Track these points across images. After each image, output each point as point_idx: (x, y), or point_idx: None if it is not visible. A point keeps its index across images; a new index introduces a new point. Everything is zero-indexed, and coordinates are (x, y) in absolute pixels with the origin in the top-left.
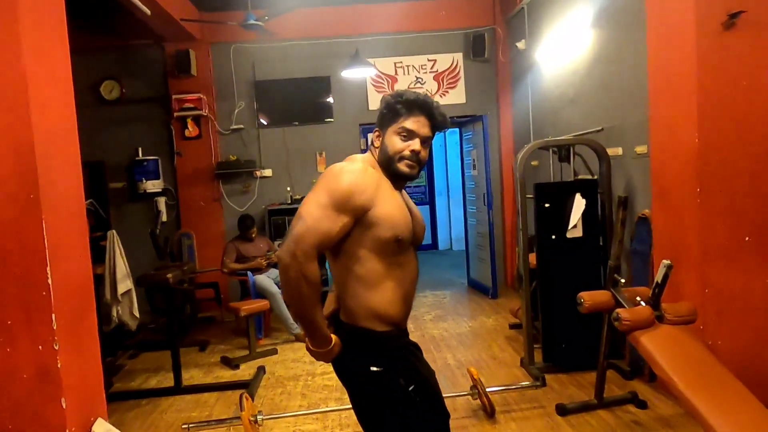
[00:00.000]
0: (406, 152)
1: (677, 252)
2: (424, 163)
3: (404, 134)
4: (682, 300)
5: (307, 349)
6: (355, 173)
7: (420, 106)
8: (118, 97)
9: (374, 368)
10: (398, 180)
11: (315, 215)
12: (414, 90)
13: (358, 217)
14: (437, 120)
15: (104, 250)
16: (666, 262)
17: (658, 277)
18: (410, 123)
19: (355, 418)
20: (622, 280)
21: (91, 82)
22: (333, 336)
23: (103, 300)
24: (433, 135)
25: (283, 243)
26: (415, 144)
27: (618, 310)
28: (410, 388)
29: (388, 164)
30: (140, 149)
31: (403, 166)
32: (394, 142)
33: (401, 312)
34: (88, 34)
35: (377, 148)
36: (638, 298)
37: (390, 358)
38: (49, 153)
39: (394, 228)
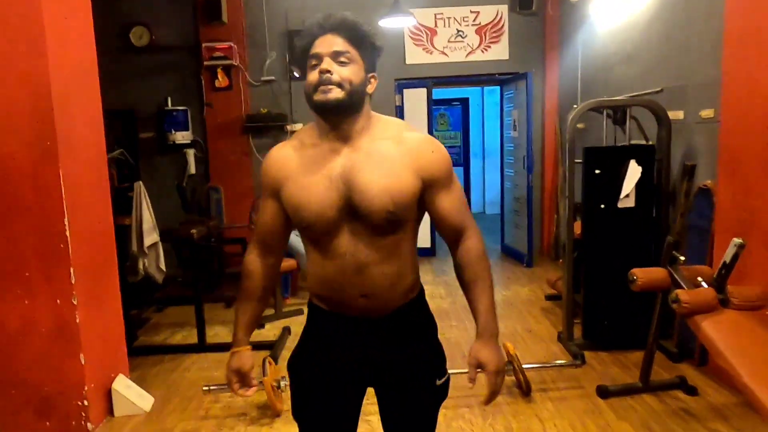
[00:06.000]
0: (314, 78)
1: (745, 229)
2: (348, 81)
3: (314, 63)
4: (746, 283)
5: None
6: (271, 151)
7: (319, 25)
8: (148, 43)
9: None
10: (325, 115)
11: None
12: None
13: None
14: (345, 26)
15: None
16: (737, 240)
17: (727, 256)
18: (315, 48)
19: None
20: (682, 258)
21: (121, 28)
22: (244, 348)
23: (130, 252)
24: (356, 47)
25: None
26: (325, 63)
27: (677, 291)
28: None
29: (312, 107)
30: (169, 99)
31: (317, 96)
32: (308, 77)
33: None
34: None
35: None
36: (699, 279)
37: None
38: (68, 99)
39: (295, 213)
